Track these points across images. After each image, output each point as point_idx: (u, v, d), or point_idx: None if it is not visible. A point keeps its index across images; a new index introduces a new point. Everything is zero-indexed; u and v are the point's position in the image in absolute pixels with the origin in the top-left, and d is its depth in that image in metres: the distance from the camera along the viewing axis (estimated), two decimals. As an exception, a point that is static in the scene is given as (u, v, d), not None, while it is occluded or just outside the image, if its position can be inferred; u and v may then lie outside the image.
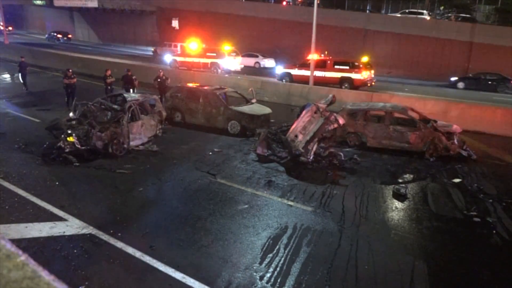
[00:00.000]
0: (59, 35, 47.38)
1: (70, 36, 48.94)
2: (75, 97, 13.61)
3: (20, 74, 19.07)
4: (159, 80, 16.06)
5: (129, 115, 10.57)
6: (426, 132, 11.06)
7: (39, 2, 46.02)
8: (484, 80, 25.21)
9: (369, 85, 22.01)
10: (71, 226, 6.48)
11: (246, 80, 20.67)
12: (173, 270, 5.41)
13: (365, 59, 22.71)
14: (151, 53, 37.87)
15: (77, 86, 15.84)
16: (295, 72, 23.00)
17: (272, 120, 13.52)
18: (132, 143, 10.56)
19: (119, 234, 6.27)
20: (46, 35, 49.19)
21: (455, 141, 11.11)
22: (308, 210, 7.54)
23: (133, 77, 16.28)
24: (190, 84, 15.14)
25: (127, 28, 47.80)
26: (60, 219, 6.71)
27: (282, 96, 18.65)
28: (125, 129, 10.24)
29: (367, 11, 39.39)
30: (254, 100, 14.01)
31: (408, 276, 5.55)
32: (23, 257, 0.63)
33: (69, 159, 9.47)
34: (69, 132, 9.78)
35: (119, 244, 5.99)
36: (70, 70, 15.71)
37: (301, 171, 9.73)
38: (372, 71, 22.90)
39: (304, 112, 10.29)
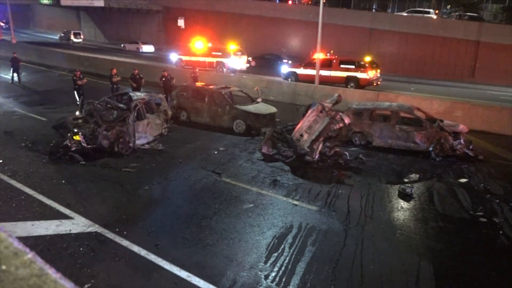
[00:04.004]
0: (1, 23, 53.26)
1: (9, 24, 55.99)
2: (81, 96, 13.68)
3: (12, 69, 19.87)
4: (164, 79, 16.12)
5: (135, 114, 10.61)
6: (432, 132, 10.98)
7: (46, 2, 46.12)
8: (266, 60, 30.92)
9: (375, 84, 21.89)
10: (77, 224, 6.52)
11: (251, 79, 20.67)
12: (178, 268, 5.43)
13: (367, 58, 22.56)
14: (57, 38, 47.57)
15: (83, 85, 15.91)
16: (301, 71, 22.93)
17: (277, 119, 13.50)
18: (137, 142, 10.61)
19: (125, 233, 6.31)
20: None
21: (462, 141, 11.02)
22: (313, 209, 7.52)
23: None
24: (195, 83, 15.16)
25: (133, 27, 48.03)
26: (66, 217, 6.76)
27: (288, 95, 18.63)
28: (131, 128, 10.29)
29: (373, 10, 39.27)
30: (259, 99, 13.99)
31: (413, 277, 5.53)
32: (30, 254, 0.64)
33: (75, 157, 9.53)
34: (75, 130, 9.84)
35: (125, 243, 6.02)
36: (79, 72, 15.83)
37: (306, 170, 9.71)
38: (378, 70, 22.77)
39: (309, 111, 10.26)
